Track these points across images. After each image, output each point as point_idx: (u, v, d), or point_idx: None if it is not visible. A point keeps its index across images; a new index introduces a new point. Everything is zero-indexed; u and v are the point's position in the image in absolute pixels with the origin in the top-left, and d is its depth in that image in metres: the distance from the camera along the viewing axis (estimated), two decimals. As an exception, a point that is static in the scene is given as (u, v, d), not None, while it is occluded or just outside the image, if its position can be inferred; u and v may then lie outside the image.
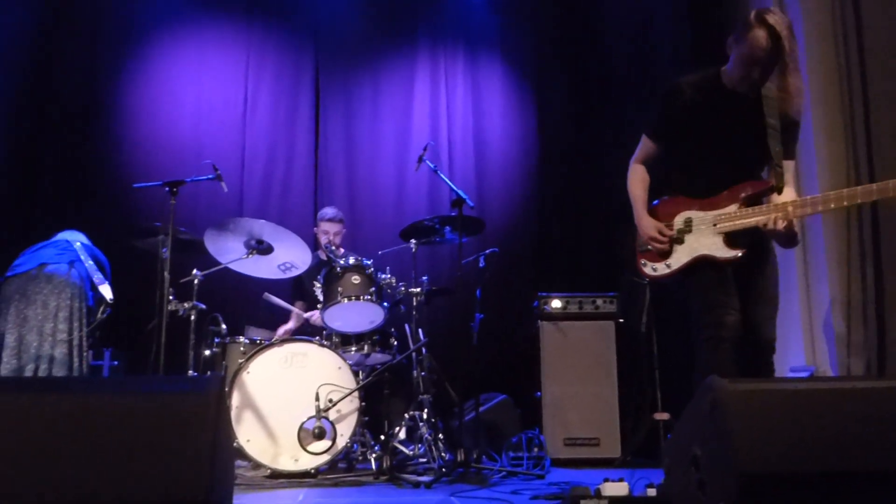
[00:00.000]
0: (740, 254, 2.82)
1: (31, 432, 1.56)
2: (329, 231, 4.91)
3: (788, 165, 2.90)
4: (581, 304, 4.72)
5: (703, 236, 2.89)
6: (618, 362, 4.61)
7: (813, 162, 4.27)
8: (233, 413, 3.69)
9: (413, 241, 4.34)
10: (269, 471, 3.69)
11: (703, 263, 2.88)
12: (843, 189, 2.78)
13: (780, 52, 2.66)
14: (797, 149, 3.06)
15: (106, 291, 4.11)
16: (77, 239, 4.35)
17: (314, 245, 5.03)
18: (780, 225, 2.75)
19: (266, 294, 4.50)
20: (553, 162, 6.10)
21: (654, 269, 3.02)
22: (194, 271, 4.03)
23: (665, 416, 4.36)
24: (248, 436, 3.70)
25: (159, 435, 1.58)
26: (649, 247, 3.03)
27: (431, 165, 4.47)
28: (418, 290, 4.21)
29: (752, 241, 2.86)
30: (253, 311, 4.87)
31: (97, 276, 4.13)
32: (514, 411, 4.70)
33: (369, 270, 4.04)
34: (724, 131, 2.90)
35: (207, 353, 4.06)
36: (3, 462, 1.52)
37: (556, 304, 4.71)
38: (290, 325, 4.86)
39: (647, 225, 3.03)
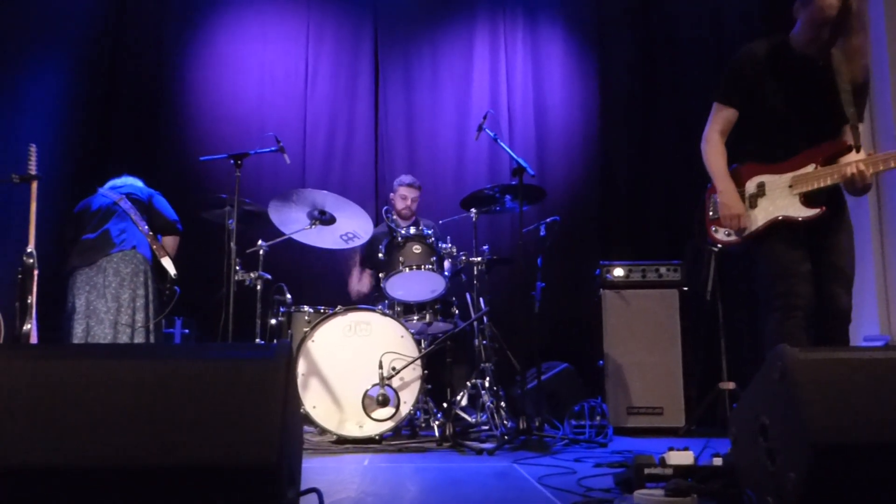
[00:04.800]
0: (821, 211, 2.76)
1: (109, 395, 1.62)
2: (407, 196, 4.98)
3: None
4: (644, 272, 4.66)
5: (779, 198, 2.84)
6: (682, 331, 4.55)
7: (889, 121, 4.10)
8: (299, 380, 3.78)
9: (473, 210, 4.33)
10: (334, 436, 3.78)
11: (776, 227, 2.83)
12: None
13: (848, 12, 2.62)
14: (866, 111, 3.00)
15: (169, 266, 4.14)
16: (129, 190, 4.29)
17: (376, 218, 5.08)
18: (865, 177, 2.67)
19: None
20: (615, 129, 5.97)
21: (728, 234, 2.98)
22: (259, 242, 4.11)
23: (730, 385, 4.29)
24: (314, 402, 3.79)
25: (231, 399, 1.63)
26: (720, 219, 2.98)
27: (491, 134, 4.43)
28: (479, 259, 4.22)
29: (829, 202, 2.79)
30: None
31: (160, 251, 4.14)
32: (577, 380, 4.69)
33: (430, 240, 4.06)
34: (796, 97, 2.86)
35: (273, 321, 4.15)
36: (83, 424, 1.58)
37: (619, 272, 4.66)
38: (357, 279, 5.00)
39: (733, 203, 2.92)
